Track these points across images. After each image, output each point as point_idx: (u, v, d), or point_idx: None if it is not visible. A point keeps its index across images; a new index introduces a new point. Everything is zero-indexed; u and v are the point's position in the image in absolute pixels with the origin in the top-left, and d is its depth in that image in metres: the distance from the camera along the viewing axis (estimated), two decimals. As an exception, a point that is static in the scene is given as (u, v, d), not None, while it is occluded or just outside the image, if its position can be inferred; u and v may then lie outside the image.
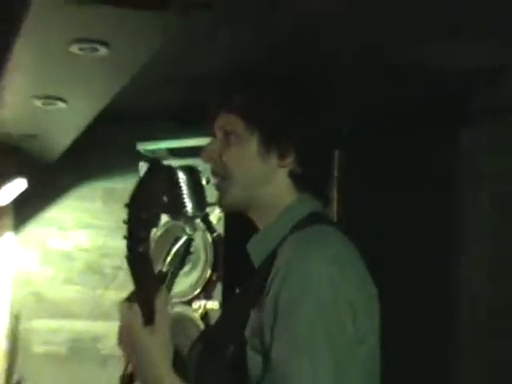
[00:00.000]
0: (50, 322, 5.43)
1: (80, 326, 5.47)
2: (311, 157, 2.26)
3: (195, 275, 4.80)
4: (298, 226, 2.19)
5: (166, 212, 2.27)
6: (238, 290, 2.43)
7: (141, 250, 2.09)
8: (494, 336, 4.36)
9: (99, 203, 5.55)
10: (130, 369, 2.24)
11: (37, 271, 5.46)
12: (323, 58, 3.89)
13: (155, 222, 2.12)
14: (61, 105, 3.99)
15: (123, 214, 5.61)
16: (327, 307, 2.05)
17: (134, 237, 2.10)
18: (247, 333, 2.12)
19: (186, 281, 4.77)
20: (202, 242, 4.78)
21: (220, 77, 4.29)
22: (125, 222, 2.13)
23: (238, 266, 4.68)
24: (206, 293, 4.75)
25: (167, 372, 2.06)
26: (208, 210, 4.85)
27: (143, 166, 5.05)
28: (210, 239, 4.75)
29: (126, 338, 2.10)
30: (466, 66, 4.26)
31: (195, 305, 4.75)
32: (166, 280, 2.41)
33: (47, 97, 3.90)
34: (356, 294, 2.11)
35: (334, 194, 4.76)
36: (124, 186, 5.42)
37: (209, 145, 2.31)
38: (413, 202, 4.64)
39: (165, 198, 2.14)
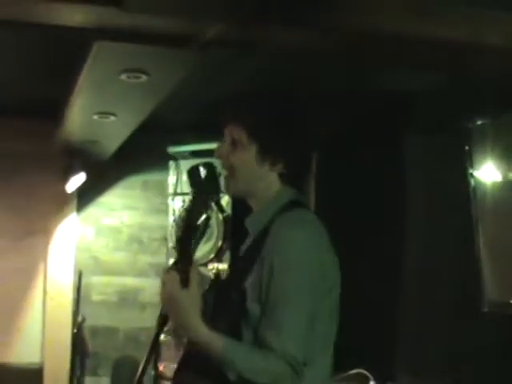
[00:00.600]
0: (104, 278, 5.41)
1: (125, 281, 5.45)
2: (294, 165, 2.28)
3: (210, 244, 4.83)
4: (282, 209, 2.22)
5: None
6: (240, 253, 2.40)
7: (189, 234, 2.11)
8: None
9: (138, 191, 5.51)
10: (164, 311, 2.20)
11: (93, 241, 5.44)
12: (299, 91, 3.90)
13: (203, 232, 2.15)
14: (112, 118, 3.96)
15: (156, 199, 5.64)
16: (308, 267, 2.11)
17: (188, 224, 2.12)
18: (247, 284, 2.14)
19: (203, 249, 4.79)
20: (215, 220, 4.81)
21: (229, 97, 4.30)
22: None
23: (241, 238, 4.76)
24: (218, 258, 4.78)
25: (197, 323, 2.05)
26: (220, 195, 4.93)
27: (172, 164, 5.11)
28: (221, 218, 4.79)
29: (166, 296, 2.10)
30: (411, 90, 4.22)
31: (210, 266, 4.79)
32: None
33: (103, 112, 3.88)
34: (326, 257, 2.18)
35: (313, 186, 4.80)
36: (156, 178, 5.46)
37: (219, 146, 2.32)
38: (370, 191, 4.59)
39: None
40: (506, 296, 3.79)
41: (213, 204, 4.11)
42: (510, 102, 3.66)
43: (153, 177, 5.47)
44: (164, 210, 5.20)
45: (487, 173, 3.91)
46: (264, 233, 2.18)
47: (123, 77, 3.18)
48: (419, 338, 4.23)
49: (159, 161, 5.20)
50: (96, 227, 5.45)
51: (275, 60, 3.68)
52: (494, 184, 3.90)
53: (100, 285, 5.40)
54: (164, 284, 2.11)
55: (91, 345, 5.28)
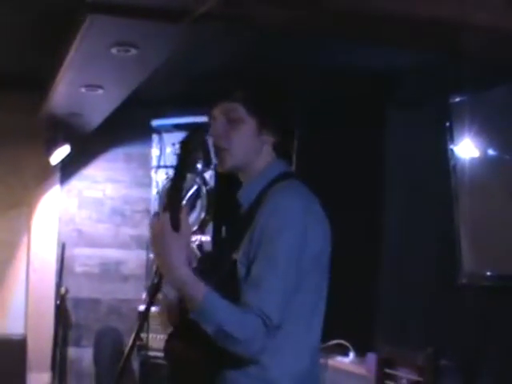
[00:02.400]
0: (86, 250, 5.45)
1: (108, 253, 5.50)
2: (287, 136, 2.35)
3: (193, 216, 4.86)
4: (275, 180, 2.26)
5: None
6: (232, 224, 2.46)
7: (180, 183, 2.17)
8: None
9: (121, 164, 5.55)
10: (156, 280, 2.23)
11: (76, 213, 5.49)
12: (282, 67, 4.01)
13: (192, 168, 2.26)
14: (100, 91, 3.97)
15: (139, 171, 5.68)
16: (297, 234, 2.15)
17: (178, 173, 2.18)
18: (240, 251, 2.18)
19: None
20: (199, 192, 4.90)
21: (214, 72, 4.36)
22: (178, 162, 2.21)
23: (223, 211, 4.86)
24: (201, 230, 4.82)
25: (181, 265, 2.07)
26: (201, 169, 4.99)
27: (155, 137, 5.15)
28: (204, 191, 4.84)
29: (156, 239, 2.11)
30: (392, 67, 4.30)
31: (193, 238, 4.79)
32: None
33: (90, 85, 3.89)
34: (316, 225, 2.22)
35: (294, 159, 4.87)
36: (139, 151, 5.51)
37: (215, 125, 2.30)
38: (350, 167, 4.70)
39: (200, 153, 2.25)
40: (483, 268, 3.92)
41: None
42: (490, 79, 3.77)
43: (136, 150, 5.52)
44: (146, 183, 5.26)
45: (466, 148, 4.02)
46: (257, 203, 2.24)
47: (113, 50, 3.22)
48: (398, 310, 4.35)
49: (142, 134, 5.25)
50: (79, 199, 5.49)
51: (260, 36, 3.74)
52: (473, 159, 4.01)
53: (83, 257, 5.45)
54: (154, 226, 2.14)
55: (74, 316, 5.35)
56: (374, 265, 4.51)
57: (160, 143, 5.08)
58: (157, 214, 2.22)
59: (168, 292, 2.34)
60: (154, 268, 2.29)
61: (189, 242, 2.15)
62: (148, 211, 5.29)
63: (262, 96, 2.30)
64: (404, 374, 3.93)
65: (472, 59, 3.65)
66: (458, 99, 3.97)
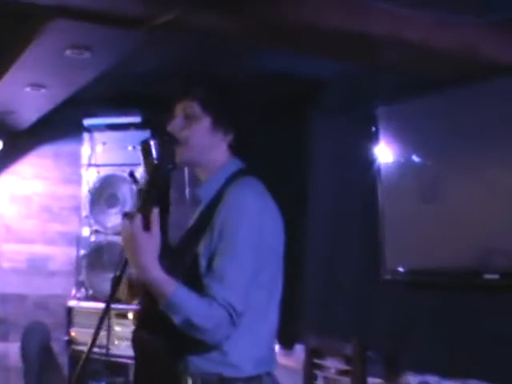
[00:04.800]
0: (15, 245, 5.45)
1: (35, 249, 5.51)
2: (241, 135, 2.47)
3: None
4: (232, 177, 2.39)
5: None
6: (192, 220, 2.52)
7: (153, 184, 2.29)
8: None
9: (51, 161, 5.57)
10: (118, 273, 2.30)
11: (6, 209, 5.48)
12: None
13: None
14: (43, 90, 4.01)
15: (68, 169, 5.70)
16: (255, 231, 2.30)
17: (152, 176, 2.30)
18: (201, 246, 2.28)
19: (117, 219, 4.97)
20: (129, 191, 5.01)
21: (146, 75, 4.43)
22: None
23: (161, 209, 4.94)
24: None
25: (153, 263, 2.18)
26: (131, 168, 5.11)
27: (86, 136, 5.21)
28: (134, 189, 4.93)
29: (129, 240, 2.20)
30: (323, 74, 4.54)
31: None
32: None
33: (35, 84, 3.93)
34: (270, 219, 2.38)
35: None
36: (68, 149, 5.54)
37: (173, 120, 2.40)
38: (281, 168, 4.84)
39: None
40: (403, 265, 4.21)
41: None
42: (413, 90, 4.05)
43: (65, 147, 5.55)
44: (75, 180, 5.32)
45: (389, 153, 4.31)
46: (216, 199, 2.34)
47: (68, 52, 3.32)
48: (326, 303, 4.60)
49: (72, 132, 5.30)
50: (9, 195, 5.45)
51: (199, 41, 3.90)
52: (395, 163, 4.30)
53: (10, 252, 5.43)
54: (125, 226, 2.22)
55: (1, 311, 5.34)
56: (301, 261, 4.71)
57: (91, 142, 5.16)
58: (126, 215, 2.25)
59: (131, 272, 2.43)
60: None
61: (159, 241, 2.21)
62: (76, 208, 5.36)
63: (217, 95, 2.42)
64: (332, 364, 4.17)
65: (397, 71, 3.93)
66: (383, 107, 4.26)
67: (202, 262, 2.28)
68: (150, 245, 2.18)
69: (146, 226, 2.18)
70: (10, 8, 3.06)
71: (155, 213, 2.20)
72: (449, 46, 3.34)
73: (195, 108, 2.39)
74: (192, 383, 2.29)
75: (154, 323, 2.30)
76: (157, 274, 2.19)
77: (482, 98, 3.86)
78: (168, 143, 2.37)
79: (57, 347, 5.29)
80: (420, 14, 3.27)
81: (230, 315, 2.20)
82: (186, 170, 4.89)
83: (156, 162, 2.42)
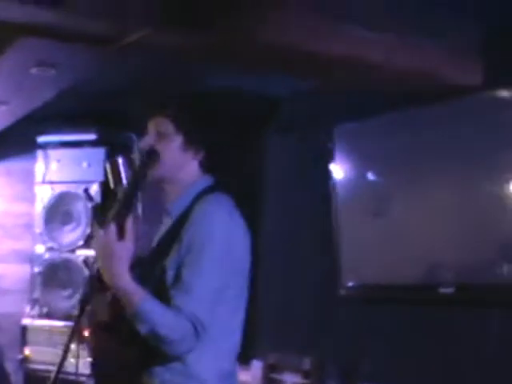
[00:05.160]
0: (-34, 263, 5.38)
1: None
2: (212, 155, 2.51)
3: (78, 231, 4.99)
4: (201, 193, 2.41)
5: None
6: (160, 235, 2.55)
7: (129, 195, 2.31)
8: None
9: (3, 178, 5.51)
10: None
11: (-42, 226, 5.40)
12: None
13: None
14: (3, 107, 4.04)
15: (20, 186, 5.62)
16: (220, 243, 2.33)
17: (129, 187, 2.33)
18: (169, 259, 2.32)
19: (72, 236, 5.02)
20: (83, 208, 5.01)
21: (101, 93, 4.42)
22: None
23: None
24: (86, 244, 4.92)
25: (125, 272, 2.22)
26: (86, 185, 5.07)
27: (40, 153, 5.18)
28: (89, 206, 4.93)
29: (102, 248, 2.24)
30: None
31: (78, 252, 4.97)
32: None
33: None
34: (237, 235, 2.42)
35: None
36: (21, 166, 5.47)
37: (146, 138, 2.44)
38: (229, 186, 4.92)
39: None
40: (360, 281, 4.32)
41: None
42: (370, 109, 4.17)
43: (18, 164, 5.49)
44: (28, 198, 5.29)
45: (346, 169, 4.42)
46: (185, 215, 2.36)
47: (33, 70, 3.36)
48: (283, 320, 4.67)
49: (25, 149, 5.27)
50: (-40, 213, 5.37)
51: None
52: (351, 179, 4.41)
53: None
54: (99, 234, 2.26)
55: (-48, 329, 5.26)
56: (257, 277, 4.74)
57: (45, 159, 5.14)
58: (100, 223, 2.29)
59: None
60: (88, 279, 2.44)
61: (132, 251, 2.26)
62: (29, 225, 5.33)
63: (189, 115, 2.46)
64: (289, 379, 4.25)
65: (357, 91, 4.04)
66: (339, 125, 4.38)
67: (169, 275, 2.31)
68: (123, 253, 2.24)
69: (120, 235, 2.23)
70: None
71: (129, 222, 2.25)
72: (408, 67, 3.47)
73: (168, 126, 2.42)
74: None
75: (121, 333, 2.33)
76: (127, 282, 2.23)
77: (434, 118, 4.00)
78: (147, 158, 2.38)
79: (11, 366, 5.22)
80: (381, 36, 3.39)
81: (195, 328, 2.24)
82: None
83: (125, 178, 2.47)
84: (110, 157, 4.99)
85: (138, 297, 2.23)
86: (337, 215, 4.39)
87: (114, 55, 3.21)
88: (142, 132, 2.48)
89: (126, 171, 2.58)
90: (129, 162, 2.57)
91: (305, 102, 4.63)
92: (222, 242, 2.34)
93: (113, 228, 2.23)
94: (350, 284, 4.33)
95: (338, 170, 4.42)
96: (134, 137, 5.03)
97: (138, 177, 2.34)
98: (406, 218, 4.12)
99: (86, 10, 2.74)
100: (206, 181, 2.50)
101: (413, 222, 4.10)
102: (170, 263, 2.33)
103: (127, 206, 2.30)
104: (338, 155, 4.40)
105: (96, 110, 4.93)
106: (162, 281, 2.32)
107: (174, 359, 2.30)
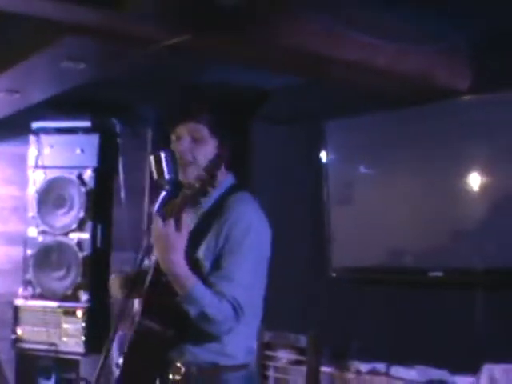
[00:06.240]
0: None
1: None
2: (236, 155, 2.76)
3: (72, 215, 5.17)
4: (229, 190, 2.69)
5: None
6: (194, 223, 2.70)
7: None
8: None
9: None
10: (132, 275, 2.62)
11: None
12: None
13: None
14: (16, 95, 4.17)
15: (9, 170, 5.70)
16: (257, 241, 2.63)
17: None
18: (202, 250, 2.57)
19: (65, 220, 5.19)
20: (77, 192, 5.17)
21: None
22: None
23: (102, 209, 5.14)
24: (80, 227, 5.13)
25: (181, 260, 2.47)
26: (79, 170, 5.22)
27: (33, 138, 5.32)
28: (83, 190, 5.14)
29: (161, 237, 2.48)
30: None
31: (72, 235, 5.14)
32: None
33: (12, 90, 4.08)
34: (266, 228, 2.70)
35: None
36: (12, 150, 5.61)
37: (182, 142, 2.67)
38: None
39: None
40: (350, 263, 4.67)
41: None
42: (361, 107, 4.51)
43: (7, 148, 5.62)
44: (16, 181, 5.46)
45: (337, 161, 4.77)
46: (214, 210, 2.63)
47: (64, 63, 3.54)
48: (277, 300, 4.95)
49: (18, 134, 5.40)
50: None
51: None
52: (341, 170, 4.76)
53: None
54: (159, 226, 2.49)
55: None
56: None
57: (38, 144, 5.28)
58: (156, 216, 2.53)
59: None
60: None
61: (186, 239, 2.50)
62: (17, 208, 5.48)
63: (224, 121, 2.72)
64: (285, 355, 4.56)
65: (350, 89, 4.36)
66: (333, 121, 4.71)
67: (206, 266, 2.57)
68: (180, 244, 2.48)
69: (177, 227, 2.48)
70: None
71: (185, 217, 2.50)
72: (408, 70, 3.82)
73: (203, 131, 2.66)
74: (185, 371, 2.59)
75: (159, 314, 2.58)
76: (182, 269, 2.48)
77: (416, 118, 4.39)
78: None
79: (1, 346, 5.37)
80: (383, 41, 3.72)
81: (236, 311, 2.50)
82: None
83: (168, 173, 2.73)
84: (105, 143, 5.26)
85: (191, 282, 2.48)
86: (329, 200, 4.73)
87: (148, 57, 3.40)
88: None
89: (167, 165, 2.80)
90: (171, 157, 2.80)
91: (294, 95, 4.87)
92: (256, 235, 2.62)
93: (171, 222, 2.47)
94: (339, 266, 4.68)
95: (330, 159, 4.75)
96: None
97: (205, 181, 2.51)
98: (395, 205, 4.49)
99: (137, 13, 2.97)
100: (231, 179, 2.77)
101: (402, 206, 4.46)
102: (204, 254, 2.58)
103: (186, 201, 2.52)
104: (328, 147, 4.74)
105: (91, 98, 5.09)
106: (198, 267, 2.56)
107: (211, 339, 2.56)
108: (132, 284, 2.69)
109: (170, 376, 2.60)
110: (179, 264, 2.49)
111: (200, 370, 2.59)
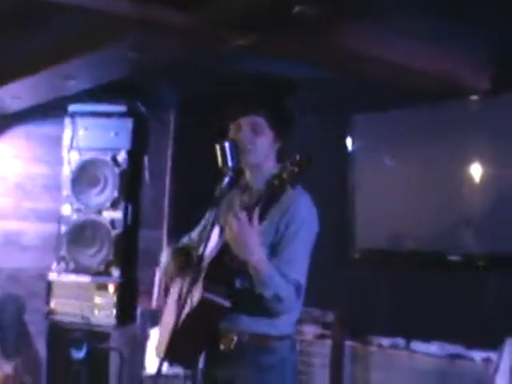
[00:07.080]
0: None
1: (9, 225, 5.79)
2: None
3: (106, 194, 5.40)
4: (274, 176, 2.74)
5: None
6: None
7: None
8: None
9: (24, 141, 5.83)
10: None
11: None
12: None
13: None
14: (71, 82, 4.40)
15: (40, 149, 5.93)
16: (310, 230, 2.96)
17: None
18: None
19: (99, 199, 5.42)
20: (111, 173, 5.40)
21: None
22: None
23: (134, 189, 5.38)
24: (113, 206, 5.38)
25: (261, 251, 2.74)
26: (113, 152, 5.46)
27: (68, 120, 5.55)
28: (117, 171, 5.38)
29: (240, 231, 2.69)
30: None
31: (105, 214, 5.39)
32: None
33: (68, 77, 4.31)
34: (317, 218, 3.04)
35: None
36: (44, 131, 5.87)
37: (244, 132, 2.96)
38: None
39: None
40: (374, 245, 5.02)
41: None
42: (389, 102, 4.84)
43: (41, 129, 5.84)
44: (48, 161, 5.72)
45: (363, 151, 5.11)
46: (269, 197, 2.74)
47: (130, 54, 3.77)
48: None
49: (54, 116, 5.63)
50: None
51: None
52: (367, 159, 5.10)
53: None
54: (235, 223, 2.70)
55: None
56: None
57: (73, 126, 5.52)
58: (241, 209, 2.76)
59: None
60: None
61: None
62: (48, 186, 5.75)
63: (282, 115, 3.04)
64: (311, 329, 4.91)
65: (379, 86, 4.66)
66: (361, 113, 5.05)
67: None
68: (254, 235, 2.71)
69: (251, 222, 2.71)
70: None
71: (256, 212, 2.73)
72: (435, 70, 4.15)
73: (262, 123, 2.97)
74: (237, 340, 2.88)
75: (221, 289, 2.84)
76: (259, 256, 2.74)
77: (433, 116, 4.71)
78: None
79: (32, 317, 5.63)
80: (414, 43, 4.03)
81: (298, 291, 2.84)
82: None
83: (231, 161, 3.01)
84: (137, 127, 5.51)
85: (266, 267, 2.75)
86: (353, 188, 5.07)
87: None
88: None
89: (230, 153, 3.07)
90: (233, 146, 3.08)
91: (323, 87, 5.11)
92: (310, 223, 2.96)
93: (244, 217, 2.69)
94: (365, 248, 5.01)
95: (356, 147, 5.08)
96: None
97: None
98: (420, 191, 4.83)
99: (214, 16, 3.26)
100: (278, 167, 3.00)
101: (426, 194, 4.80)
102: (262, 236, 2.77)
103: (256, 200, 2.74)
104: (354, 136, 5.08)
105: (127, 83, 5.32)
106: None
107: (264, 313, 2.82)
108: (186, 256, 3.04)
109: (222, 346, 2.90)
110: (257, 252, 2.73)
111: (252, 339, 2.88)
